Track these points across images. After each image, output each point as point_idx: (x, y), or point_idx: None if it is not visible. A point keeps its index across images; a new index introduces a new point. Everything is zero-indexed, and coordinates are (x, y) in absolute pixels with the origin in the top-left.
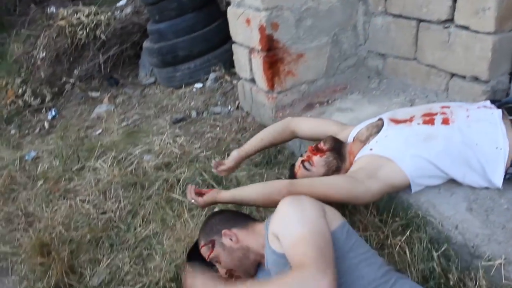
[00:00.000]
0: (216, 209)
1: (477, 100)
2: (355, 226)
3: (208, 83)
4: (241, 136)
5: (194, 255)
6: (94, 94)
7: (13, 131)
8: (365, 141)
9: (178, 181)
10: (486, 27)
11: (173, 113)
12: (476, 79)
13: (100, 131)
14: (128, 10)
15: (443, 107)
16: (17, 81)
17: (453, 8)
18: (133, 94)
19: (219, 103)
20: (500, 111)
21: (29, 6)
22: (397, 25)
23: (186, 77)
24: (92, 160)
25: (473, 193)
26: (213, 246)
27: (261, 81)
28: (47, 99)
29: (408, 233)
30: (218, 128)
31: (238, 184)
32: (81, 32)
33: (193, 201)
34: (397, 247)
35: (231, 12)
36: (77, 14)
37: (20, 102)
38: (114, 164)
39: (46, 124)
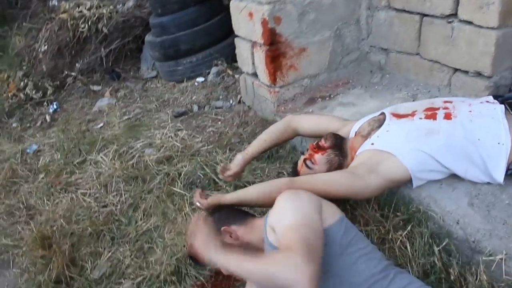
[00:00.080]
0: None
1: (479, 95)
2: (356, 220)
3: (210, 77)
4: (242, 130)
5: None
6: (96, 87)
7: (14, 124)
8: (366, 136)
9: (180, 175)
10: (489, 22)
11: (175, 107)
12: (479, 74)
13: (101, 124)
14: (130, 3)
15: (445, 101)
16: (19, 74)
17: (457, 2)
18: (135, 88)
19: (221, 97)
20: (502, 106)
21: None
22: (400, 20)
23: (188, 71)
24: (93, 153)
25: (474, 188)
26: None
27: (263, 75)
28: (48, 93)
29: (409, 227)
30: (219, 122)
31: (239, 178)
32: (83, 26)
33: (198, 204)
34: (398, 241)
35: (233, 5)
36: (79, 7)
37: (21, 95)
38: (116, 158)
39: (48, 118)
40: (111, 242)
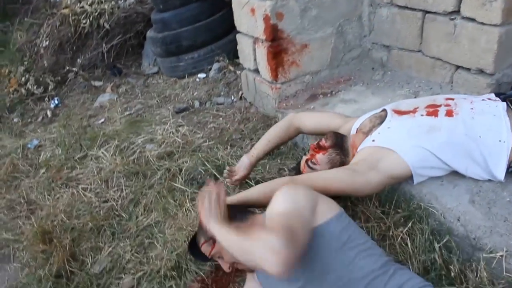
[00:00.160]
0: None
1: (481, 93)
2: (357, 217)
3: (212, 73)
4: (244, 126)
5: (193, 250)
6: (97, 83)
7: (16, 120)
8: (367, 133)
9: (180, 170)
10: (492, 19)
11: (176, 103)
12: (481, 71)
13: (102, 120)
14: None
15: (447, 99)
16: (20, 69)
17: None
18: (136, 84)
19: (222, 93)
20: (504, 104)
21: None
22: (402, 17)
23: (189, 67)
24: (94, 148)
25: (476, 186)
26: (214, 242)
27: (265, 71)
28: (50, 88)
29: (410, 224)
30: (221, 118)
31: None
32: (84, 21)
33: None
34: (399, 238)
35: (236, 1)
36: (80, 2)
37: (23, 90)
38: (117, 153)
39: (49, 113)
40: (111, 237)
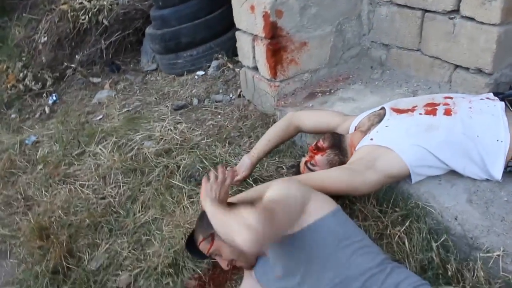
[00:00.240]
0: None
1: (480, 92)
2: (354, 215)
3: (210, 70)
4: (242, 124)
5: (191, 248)
6: (96, 79)
7: (13, 115)
8: (366, 131)
9: (178, 167)
10: (491, 18)
11: (175, 100)
12: (479, 71)
13: (100, 116)
14: None
15: (446, 97)
16: (18, 65)
17: None
18: (135, 81)
19: (220, 91)
20: (503, 103)
21: None
22: (401, 15)
23: (188, 64)
24: (92, 145)
25: (473, 185)
26: (212, 240)
27: (264, 69)
28: (48, 84)
29: (407, 223)
30: (219, 116)
31: None
32: (83, 17)
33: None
34: (396, 237)
35: None
36: None
37: (21, 86)
38: (115, 150)
39: (47, 109)
40: (109, 233)
